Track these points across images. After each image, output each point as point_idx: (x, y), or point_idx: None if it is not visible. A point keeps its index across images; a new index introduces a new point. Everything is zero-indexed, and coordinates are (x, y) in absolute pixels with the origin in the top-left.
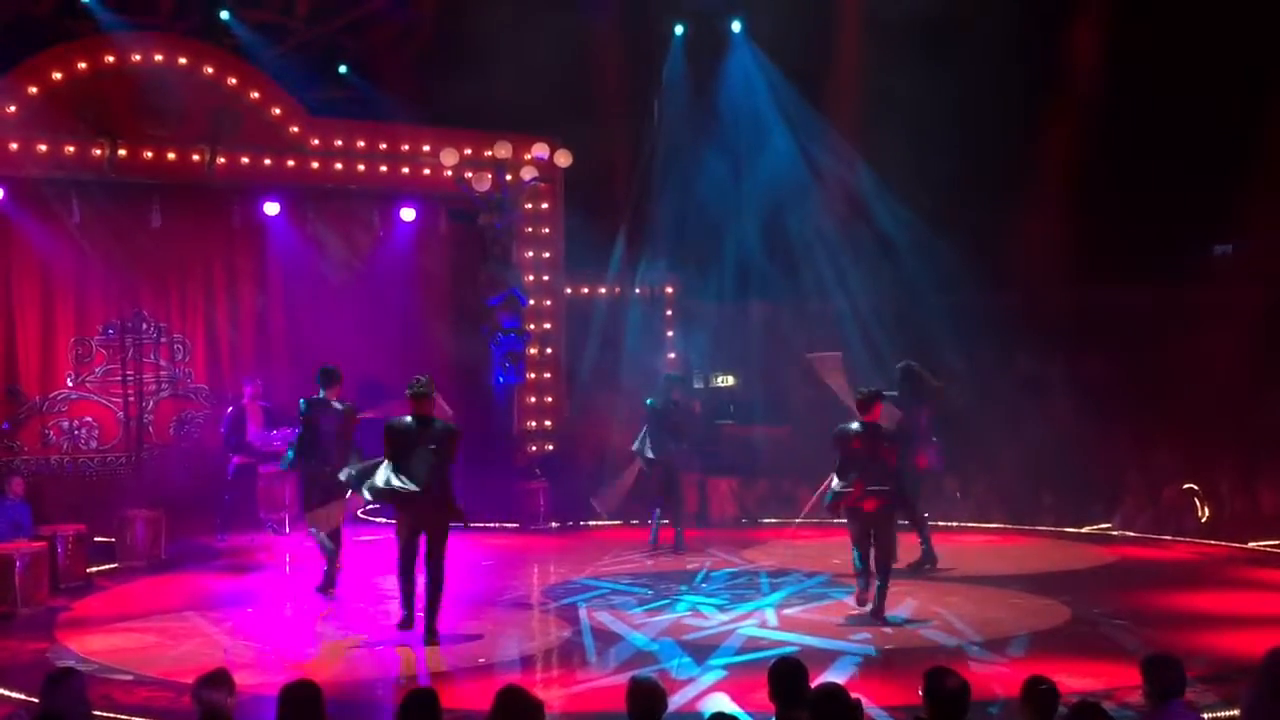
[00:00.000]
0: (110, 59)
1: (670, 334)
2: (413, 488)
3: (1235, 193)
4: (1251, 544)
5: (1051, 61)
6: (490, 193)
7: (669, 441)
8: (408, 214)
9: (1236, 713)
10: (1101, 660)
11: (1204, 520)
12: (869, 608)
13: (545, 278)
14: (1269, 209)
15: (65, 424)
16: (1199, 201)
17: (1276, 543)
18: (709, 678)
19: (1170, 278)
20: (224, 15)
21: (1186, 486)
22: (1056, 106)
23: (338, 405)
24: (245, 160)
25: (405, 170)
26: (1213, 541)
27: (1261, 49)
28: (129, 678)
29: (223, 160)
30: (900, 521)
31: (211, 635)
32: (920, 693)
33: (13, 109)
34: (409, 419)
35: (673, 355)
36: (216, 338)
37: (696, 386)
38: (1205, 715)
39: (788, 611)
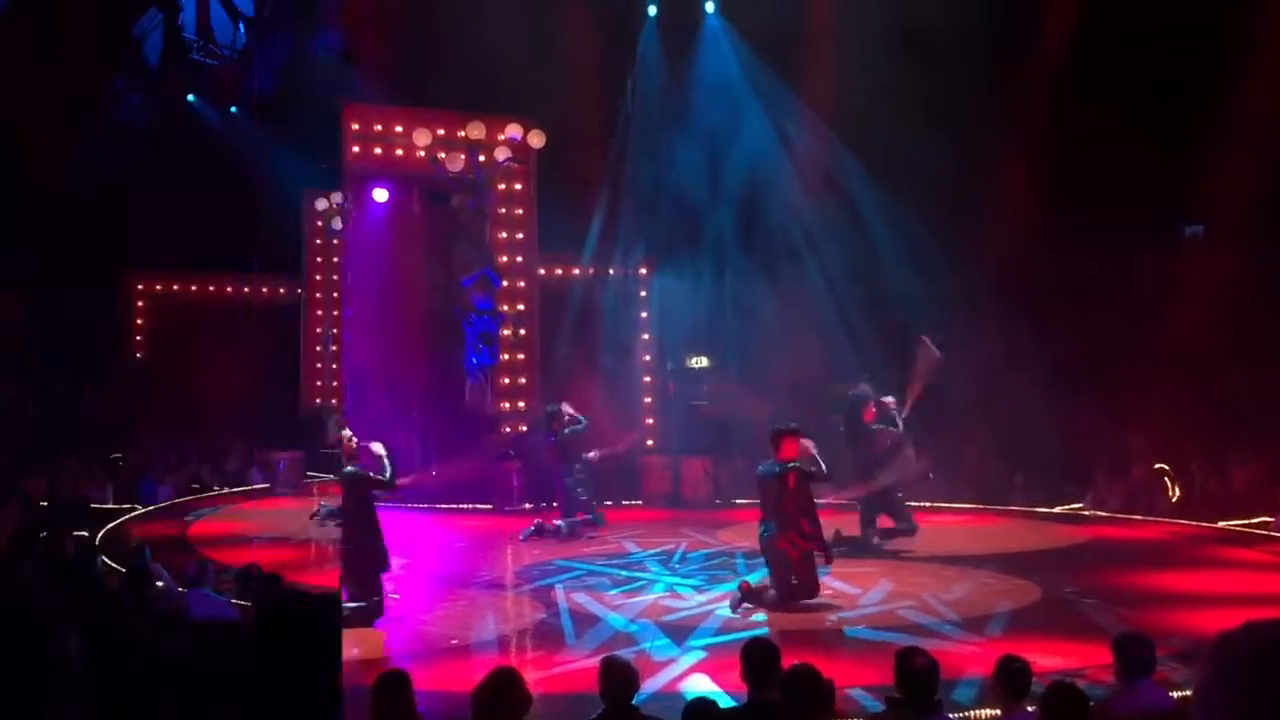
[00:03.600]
0: None
1: (645, 315)
2: None
3: (1205, 170)
4: (1221, 523)
5: (1024, 40)
6: (463, 173)
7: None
8: (380, 194)
9: None
10: (1073, 639)
11: (1175, 500)
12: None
13: (519, 259)
14: (1239, 186)
15: None
16: (1170, 180)
17: (1246, 521)
18: (688, 658)
19: (1142, 257)
20: None
21: (1157, 466)
22: (1028, 85)
23: None
24: None
25: (378, 151)
26: (1183, 521)
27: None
28: None
29: None
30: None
31: None
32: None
33: None
34: None
35: (646, 335)
36: None
37: (669, 368)
38: (1176, 693)
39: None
